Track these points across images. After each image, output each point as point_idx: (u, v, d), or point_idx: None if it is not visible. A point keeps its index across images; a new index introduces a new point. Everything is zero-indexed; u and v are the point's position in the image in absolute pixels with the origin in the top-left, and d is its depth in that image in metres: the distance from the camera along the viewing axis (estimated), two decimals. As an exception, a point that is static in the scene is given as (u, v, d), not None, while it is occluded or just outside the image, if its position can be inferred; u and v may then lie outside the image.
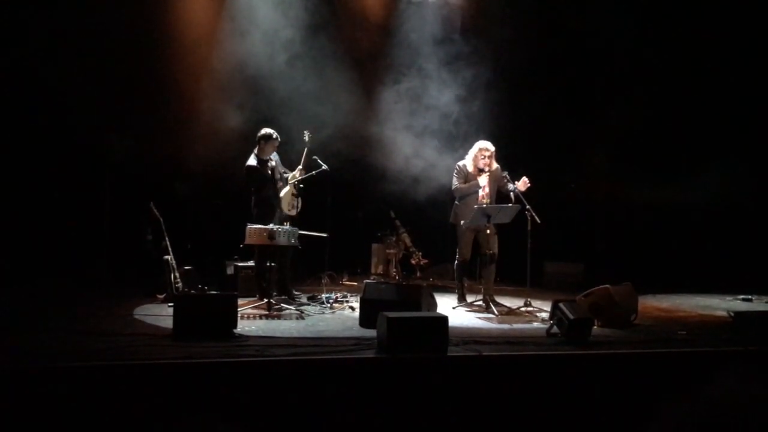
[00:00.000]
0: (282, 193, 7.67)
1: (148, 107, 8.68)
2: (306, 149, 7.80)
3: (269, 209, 7.51)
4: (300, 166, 7.76)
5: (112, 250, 8.85)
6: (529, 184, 7.55)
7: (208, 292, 7.17)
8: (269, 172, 7.61)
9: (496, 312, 7.23)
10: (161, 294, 7.36)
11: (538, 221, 7.45)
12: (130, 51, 8.52)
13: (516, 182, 7.60)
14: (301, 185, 7.75)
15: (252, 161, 7.56)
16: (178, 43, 9.09)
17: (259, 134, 7.62)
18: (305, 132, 7.81)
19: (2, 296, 7.00)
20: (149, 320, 6.26)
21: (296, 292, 7.95)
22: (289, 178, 7.74)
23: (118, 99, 8.40)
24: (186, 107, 9.17)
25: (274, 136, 7.60)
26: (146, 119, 8.71)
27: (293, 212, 7.76)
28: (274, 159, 7.73)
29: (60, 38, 8.11)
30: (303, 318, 6.72)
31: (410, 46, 9.51)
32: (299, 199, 7.76)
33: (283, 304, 7.15)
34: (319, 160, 7.94)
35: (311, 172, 7.80)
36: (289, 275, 7.85)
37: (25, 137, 8.32)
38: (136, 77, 8.59)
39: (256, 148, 7.64)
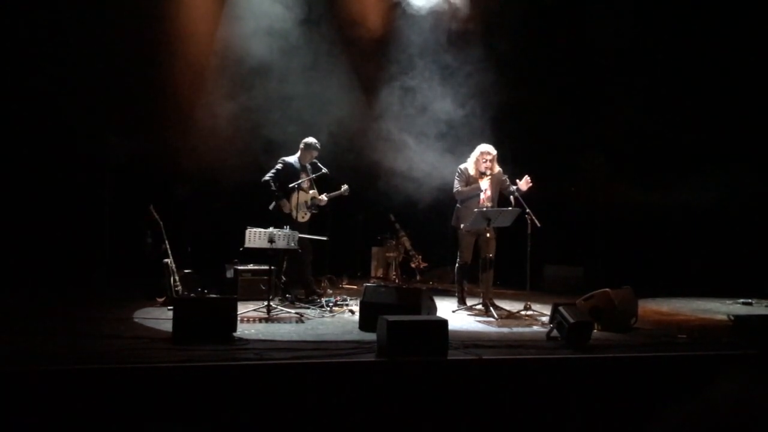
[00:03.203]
0: (295, 200, 7.76)
1: (148, 110, 8.69)
2: (338, 193, 8.05)
3: (287, 213, 7.75)
4: (327, 195, 8.04)
5: (111, 253, 8.85)
6: (530, 183, 7.55)
7: (207, 296, 7.17)
8: (302, 175, 7.89)
9: (496, 315, 7.22)
10: (161, 297, 7.35)
11: (538, 224, 7.45)
12: (129, 53, 8.52)
13: (517, 181, 7.61)
14: (317, 208, 8.04)
15: (289, 158, 7.95)
16: (178, 45, 9.09)
17: (303, 141, 7.96)
18: (344, 186, 8.07)
19: (2, 299, 7.00)
20: (149, 323, 6.25)
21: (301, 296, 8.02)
22: (313, 196, 7.99)
23: (117, 101, 8.41)
24: (186, 110, 9.17)
25: (314, 146, 7.95)
26: (146, 122, 8.71)
27: (305, 219, 7.92)
28: (308, 167, 8.02)
29: (58, 40, 8.12)
30: (303, 321, 6.72)
31: (409, 52, 9.51)
32: (310, 213, 8.00)
33: (282, 308, 7.16)
34: (319, 164, 8.00)
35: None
36: (310, 274, 8.09)
37: (25, 140, 8.33)
38: (135, 80, 8.59)
39: (299, 151, 7.95)
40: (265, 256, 7.37)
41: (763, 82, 10.06)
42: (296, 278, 7.97)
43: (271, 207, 7.80)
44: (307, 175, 7.94)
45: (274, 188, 7.75)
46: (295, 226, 7.55)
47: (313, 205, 7.98)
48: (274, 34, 8.89)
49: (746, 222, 10.28)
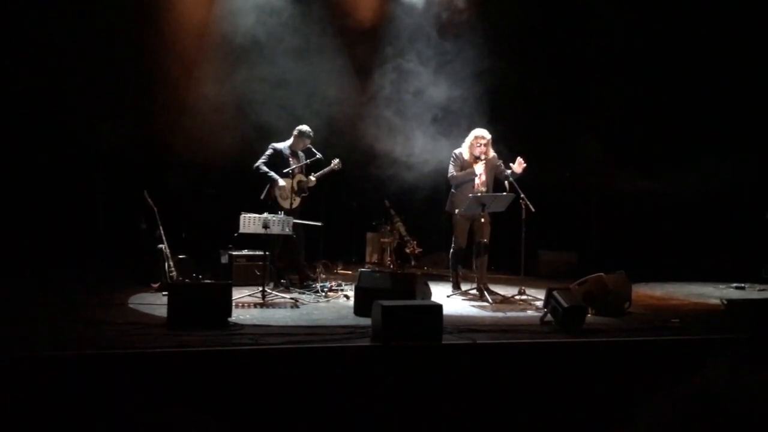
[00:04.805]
0: (281, 184, 7.71)
1: (141, 95, 8.64)
2: (329, 168, 7.96)
3: (279, 197, 7.75)
4: (315, 175, 7.95)
5: (106, 240, 8.83)
6: (524, 164, 7.54)
7: (202, 281, 7.17)
8: (292, 161, 7.84)
9: (490, 300, 7.25)
10: (155, 283, 7.35)
11: (533, 210, 7.46)
12: (122, 39, 8.45)
13: (511, 165, 7.60)
14: (305, 192, 7.95)
15: (279, 145, 7.91)
16: (170, 30, 9.02)
17: (297, 128, 7.91)
18: (334, 160, 7.97)
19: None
20: (144, 309, 6.25)
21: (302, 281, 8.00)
22: (300, 178, 7.91)
23: (109, 87, 8.36)
24: (179, 95, 9.12)
25: (307, 134, 7.90)
26: (139, 107, 8.66)
27: (293, 205, 7.81)
28: (300, 154, 7.97)
29: (48, 27, 8.04)
30: (298, 307, 6.73)
31: (404, 35, 9.46)
32: (298, 198, 7.88)
33: (277, 293, 7.16)
34: (313, 149, 7.98)
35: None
36: (303, 259, 8.04)
37: (17, 127, 8.27)
38: (127, 65, 8.53)
39: (291, 138, 7.90)
40: (260, 242, 7.36)
41: (759, 69, 10.06)
42: (290, 264, 7.97)
43: (262, 197, 7.76)
44: (298, 162, 7.90)
45: (266, 171, 7.71)
46: (288, 212, 7.54)
47: (300, 189, 7.91)
48: (267, 17, 8.84)
49: (740, 207, 10.32)
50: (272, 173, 7.71)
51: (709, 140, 10.02)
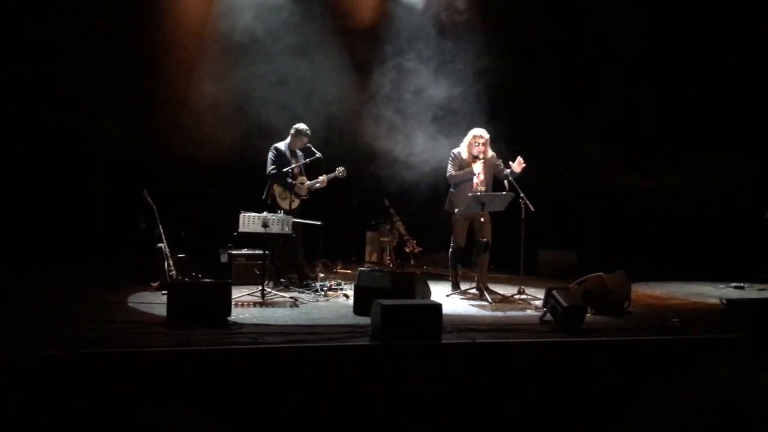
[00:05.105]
0: (281, 188, 7.72)
1: (141, 94, 8.64)
2: (333, 175, 7.94)
3: (278, 198, 7.73)
4: (320, 178, 7.94)
5: (106, 239, 8.83)
6: (523, 164, 7.54)
7: (202, 280, 7.17)
8: (292, 161, 7.82)
9: (489, 299, 7.24)
10: (155, 282, 7.35)
11: (532, 209, 7.46)
12: (122, 38, 8.45)
13: (510, 164, 7.60)
14: (305, 196, 7.94)
15: (280, 145, 7.89)
16: (170, 29, 9.02)
17: (294, 126, 7.89)
18: (339, 168, 7.96)
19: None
20: (143, 308, 6.25)
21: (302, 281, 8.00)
22: (301, 182, 7.89)
23: (109, 85, 8.35)
24: (179, 93, 9.12)
25: (305, 132, 7.87)
26: (139, 106, 8.66)
27: (293, 206, 7.80)
28: (299, 153, 7.95)
29: (50, 25, 8.04)
30: (297, 306, 6.73)
31: (404, 36, 9.46)
32: (298, 200, 7.86)
33: (276, 292, 7.16)
34: (312, 148, 7.97)
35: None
36: (302, 258, 8.03)
37: (17, 125, 8.27)
38: (128, 64, 8.53)
39: (289, 137, 7.89)
40: (259, 241, 7.36)
41: (759, 69, 10.06)
42: (289, 263, 7.97)
43: (263, 196, 7.76)
44: (297, 161, 7.88)
45: (285, 177, 7.69)
46: (287, 213, 7.53)
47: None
48: (266, 15, 8.84)
49: (739, 207, 10.33)
50: (291, 180, 7.70)
51: (709, 140, 10.03)
